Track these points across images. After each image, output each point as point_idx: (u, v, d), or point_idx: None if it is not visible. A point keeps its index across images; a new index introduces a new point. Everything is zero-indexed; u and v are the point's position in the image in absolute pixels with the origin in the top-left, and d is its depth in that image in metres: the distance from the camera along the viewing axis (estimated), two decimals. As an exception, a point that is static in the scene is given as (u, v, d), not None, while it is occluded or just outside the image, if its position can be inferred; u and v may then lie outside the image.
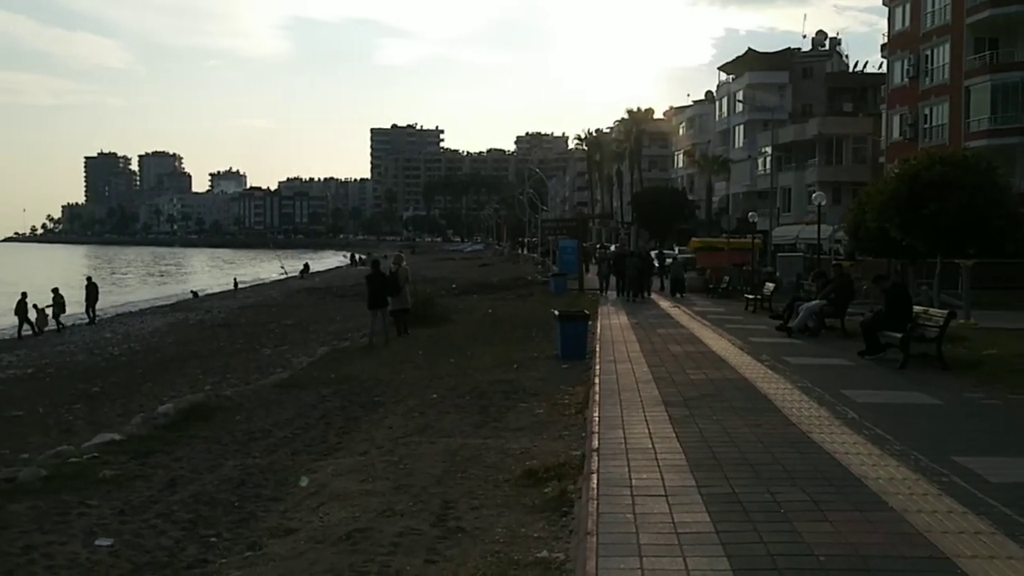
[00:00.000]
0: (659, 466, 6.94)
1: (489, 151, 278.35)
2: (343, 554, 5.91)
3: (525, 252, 75.23)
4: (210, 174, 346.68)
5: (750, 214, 44.49)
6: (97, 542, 6.64)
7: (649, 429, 8.37)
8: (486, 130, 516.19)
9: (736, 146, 70.06)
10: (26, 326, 32.77)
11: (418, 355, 17.09)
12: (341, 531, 6.40)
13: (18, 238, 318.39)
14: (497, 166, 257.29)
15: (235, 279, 64.46)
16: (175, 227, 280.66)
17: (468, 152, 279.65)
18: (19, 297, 33.40)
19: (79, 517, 7.31)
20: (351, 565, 5.68)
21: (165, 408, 12.24)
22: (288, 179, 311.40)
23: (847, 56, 75.31)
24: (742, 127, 68.99)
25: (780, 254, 44.40)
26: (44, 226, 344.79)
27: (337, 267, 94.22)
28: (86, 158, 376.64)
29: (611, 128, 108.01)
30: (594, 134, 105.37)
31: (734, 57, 73.57)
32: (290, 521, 6.91)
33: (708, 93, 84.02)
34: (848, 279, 19.40)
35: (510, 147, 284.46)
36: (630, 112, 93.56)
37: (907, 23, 47.12)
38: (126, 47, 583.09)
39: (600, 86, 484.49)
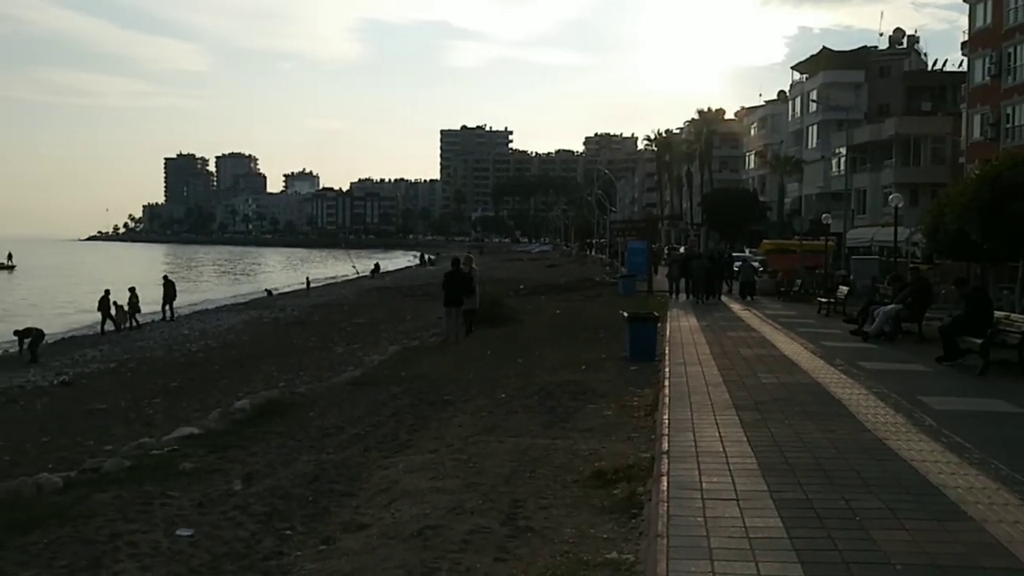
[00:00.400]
0: (730, 470, 6.89)
1: (558, 152, 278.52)
2: (414, 550, 6.00)
3: (593, 253, 75.04)
4: (284, 175, 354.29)
5: (824, 216, 43.62)
6: (178, 532, 6.85)
7: (720, 432, 8.31)
8: (555, 131, 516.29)
9: (809, 146, 68.76)
10: (108, 322, 33.87)
11: (486, 355, 17.20)
12: (412, 528, 6.49)
13: (101, 237, 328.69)
14: (566, 167, 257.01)
15: (307, 278, 65.63)
16: (250, 227, 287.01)
17: (537, 153, 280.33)
18: (102, 294, 34.59)
19: (161, 507, 7.56)
20: (422, 561, 5.76)
21: (241, 404, 12.56)
22: (360, 180, 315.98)
23: (925, 54, 73.38)
24: (816, 127, 67.70)
25: (854, 257, 43.43)
26: (126, 225, 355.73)
27: (407, 267, 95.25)
28: (166, 159, 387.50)
29: (681, 129, 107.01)
30: (664, 135, 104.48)
31: (808, 56, 72.20)
32: (362, 516, 7.03)
33: (781, 93, 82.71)
34: (926, 283, 18.95)
35: (579, 148, 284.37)
36: (701, 112, 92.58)
37: (989, 20, 45.67)
38: (204, 50, 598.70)
39: (670, 86, 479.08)
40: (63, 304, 47.13)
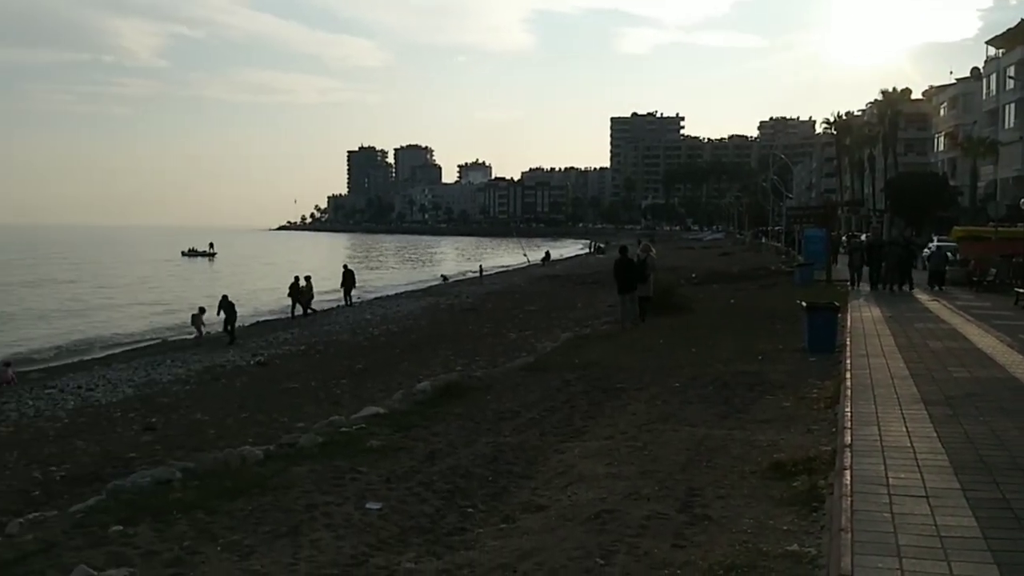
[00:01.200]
0: (919, 466, 6.63)
1: (731, 137, 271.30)
2: (592, 533, 6.12)
3: (767, 241, 72.83)
4: (458, 165, 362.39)
5: (1022, 201, 40.55)
6: (368, 505, 7.26)
7: (907, 427, 7.99)
8: (728, 116, 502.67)
9: (1006, 127, 63.91)
10: (298, 307, 35.89)
11: (659, 343, 17.12)
12: (589, 511, 6.62)
13: (290, 226, 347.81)
14: (739, 152, 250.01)
15: (480, 266, 67.09)
16: (426, 216, 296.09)
17: (709, 139, 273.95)
18: (292, 280, 36.68)
19: (351, 481, 8.01)
20: (600, 544, 5.88)
21: (423, 385, 13.08)
22: (531, 169, 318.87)
23: None
24: (1013, 106, 62.84)
25: (1059, 244, 40.18)
26: (312, 215, 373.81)
27: (576, 255, 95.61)
28: (348, 152, 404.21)
29: (862, 110, 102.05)
30: (843, 117, 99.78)
31: (1005, 29, 67.09)
32: (540, 498, 7.23)
33: (974, 70, 77.19)
34: None
35: (753, 133, 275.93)
36: (884, 93, 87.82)
37: None
38: (383, 47, 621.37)
39: (850, 66, 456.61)
40: (258, 290, 50.35)
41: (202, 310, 29.38)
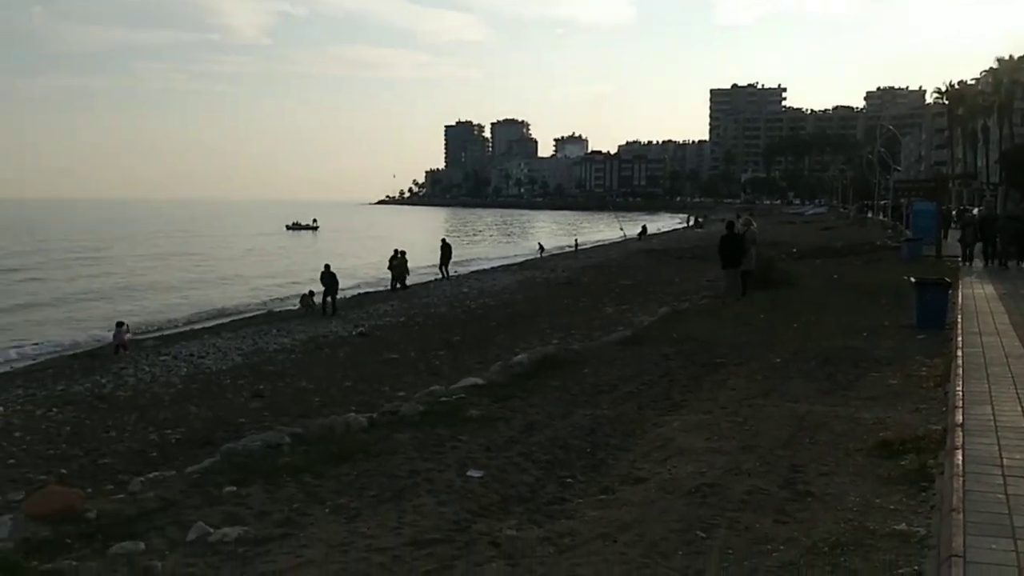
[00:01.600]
0: (1036, 448, 6.38)
1: (835, 108, 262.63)
2: (692, 506, 6.11)
3: (872, 215, 70.50)
4: (554, 139, 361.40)
5: None
6: (469, 472, 7.39)
7: (1022, 407, 7.69)
8: (832, 86, 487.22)
9: None
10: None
11: (759, 318, 16.83)
12: (689, 484, 6.61)
13: (389, 201, 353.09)
14: (844, 124, 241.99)
15: (575, 240, 66.95)
16: (522, 190, 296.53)
17: (812, 110, 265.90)
18: (392, 253, 37.33)
19: (452, 449, 8.17)
20: (700, 518, 5.87)
21: (520, 358, 13.19)
22: (627, 142, 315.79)
23: None
24: None
25: None
26: (410, 190, 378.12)
27: (674, 229, 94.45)
28: (446, 127, 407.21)
29: (976, 79, 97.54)
30: (956, 86, 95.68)
31: None
32: (639, 471, 7.23)
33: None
34: None
35: (858, 103, 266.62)
36: (1000, 61, 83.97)
37: None
38: (481, 21, 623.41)
39: (964, 33, 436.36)
40: (359, 264, 51.45)
41: (311, 293, 29.96)
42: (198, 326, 28.62)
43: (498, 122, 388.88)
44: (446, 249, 41.17)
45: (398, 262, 36.64)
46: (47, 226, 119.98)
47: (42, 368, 21.33)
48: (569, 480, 7.14)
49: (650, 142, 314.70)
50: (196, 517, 6.35)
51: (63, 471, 10.69)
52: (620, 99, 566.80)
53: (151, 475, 8.43)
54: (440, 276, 40.00)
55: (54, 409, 14.95)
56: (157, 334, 26.89)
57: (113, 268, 53.82)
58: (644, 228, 79.06)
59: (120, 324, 23.52)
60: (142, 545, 5.88)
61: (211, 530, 6.07)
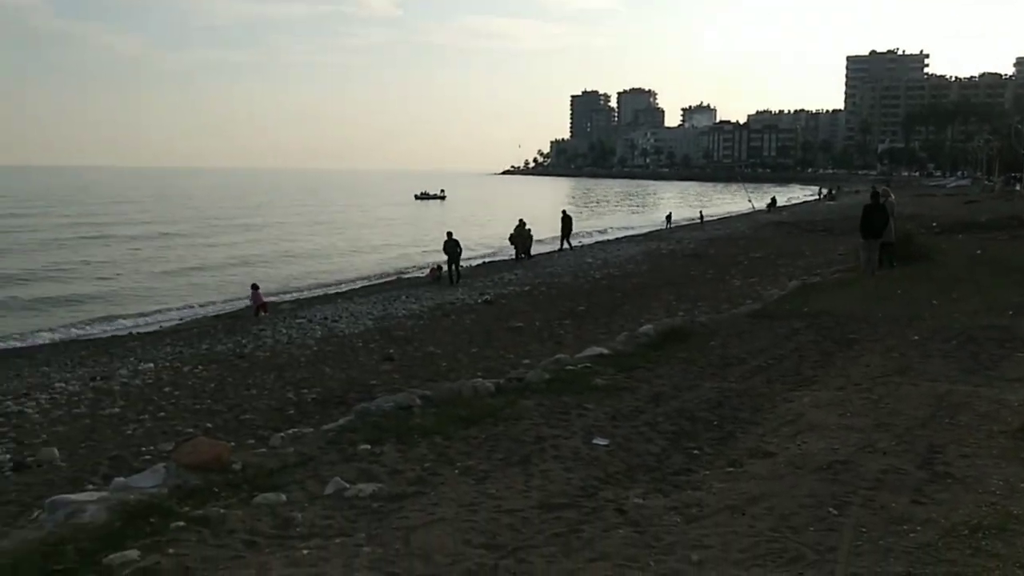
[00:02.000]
0: None
1: (982, 75, 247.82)
2: (824, 483, 5.99)
3: (1020, 188, 66.48)
4: (682, 109, 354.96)
5: None
6: (594, 440, 7.44)
7: None
8: (980, 53, 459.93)
9: None
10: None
11: (896, 293, 16.21)
12: (821, 460, 6.48)
13: (514, 171, 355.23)
14: (991, 92, 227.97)
15: (701, 211, 65.78)
16: (648, 160, 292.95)
17: (957, 78, 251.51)
18: (516, 223, 37.60)
19: (578, 417, 8.23)
20: (832, 494, 5.75)
21: (646, 328, 13.12)
22: (757, 112, 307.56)
23: None
24: None
25: None
26: (535, 160, 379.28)
27: (805, 201, 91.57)
28: (572, 96, 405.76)
29: None
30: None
31: None
32: (768, 445, 7.12)
33: None
34: None
35: (1008, 70, 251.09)
36: None
37: None
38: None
39: None
40: (485, 234, 52.05)
41: (439, 266, 30.30)
42: (332, 291, 29.64)
43: (624, 91, 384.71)
44: (567, 222, 41.12)
45: (521, 232, 36.88)
46: (198, 194, 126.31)
47: (188, 328, 22.57)
48: (696, 452, 7.11)
49: (781, 111, 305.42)
50: (333, 472, 6.62)
51: (208, 425, 11.33)
52: (751, 67, 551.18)
53: (290, 431, 8.82)
54: (560, 248, 40.01)
55: (199, 367, 15.83)
56: (293, 298, 28.00)
57: (258, 235, 56.40)
58: (773, 200, 76.94)
59: (255, 287, 24.59)
60: (283, 496, 6.18)
61: (347, 485, 6.33)
